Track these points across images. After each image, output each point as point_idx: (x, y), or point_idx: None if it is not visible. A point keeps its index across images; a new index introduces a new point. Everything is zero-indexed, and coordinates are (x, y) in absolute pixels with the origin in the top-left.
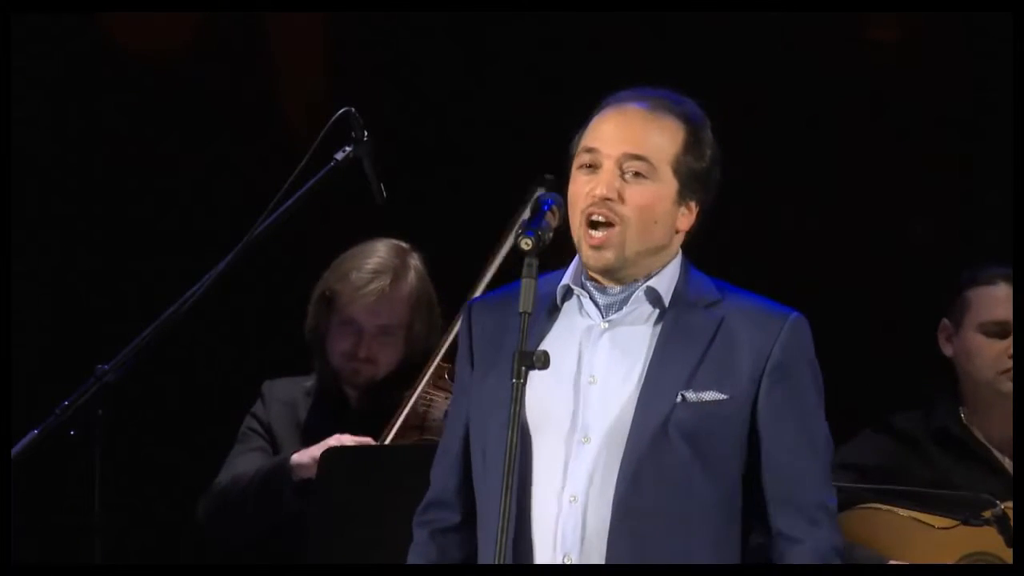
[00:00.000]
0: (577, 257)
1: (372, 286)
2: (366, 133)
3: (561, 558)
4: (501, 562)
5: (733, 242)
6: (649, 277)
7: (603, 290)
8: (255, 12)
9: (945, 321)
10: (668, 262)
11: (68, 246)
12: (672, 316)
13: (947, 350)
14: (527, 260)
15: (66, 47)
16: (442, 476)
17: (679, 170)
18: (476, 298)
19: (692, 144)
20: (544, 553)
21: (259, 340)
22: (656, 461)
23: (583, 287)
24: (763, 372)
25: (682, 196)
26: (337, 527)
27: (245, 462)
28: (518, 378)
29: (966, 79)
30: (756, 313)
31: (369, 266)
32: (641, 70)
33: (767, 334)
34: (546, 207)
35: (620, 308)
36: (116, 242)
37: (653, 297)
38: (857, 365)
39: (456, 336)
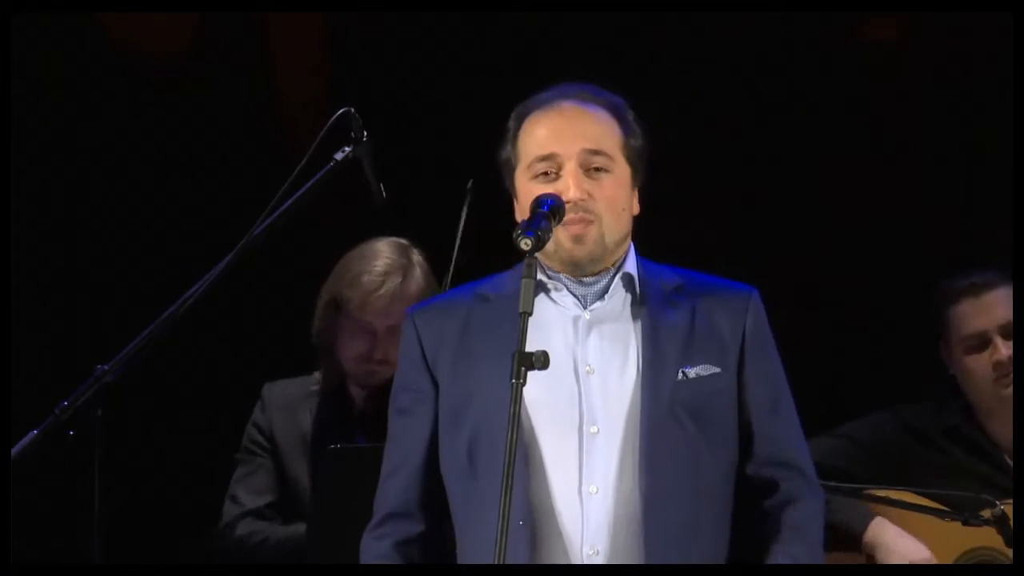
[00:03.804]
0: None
1: (384, 289)
2: (366, 133)
3: (588, 551)
4: (501, 562)
5: (734, 241)
6: (619, 265)
7: (579, 281)
8: (255, 12)
9: (941, 343)
10: (628, 249)
11: (68, 246)
12: (649, 302)
13: (951, 368)
14: (526, 260)
15: (66, 47)
16: (401, 489)
17: (629, 156)
18: (415, 307)
19: (627, 128)
20: (571, 548)
21: (259, 340)
22: (668, 442)
23: (555, 279)
24: (742, 347)
25: (634, 180)
26: (337, 527)
27: (249, 494)
28: (517, 378)
29: (966, 79)
30: (720, 292)
31: (378, 268)
32: (640, 70)
33: (737, 311)
34: (545, 207)
35: (601, 297)
36: (116, 242)
37: (627, 283)
38: (856, 366)
39: None
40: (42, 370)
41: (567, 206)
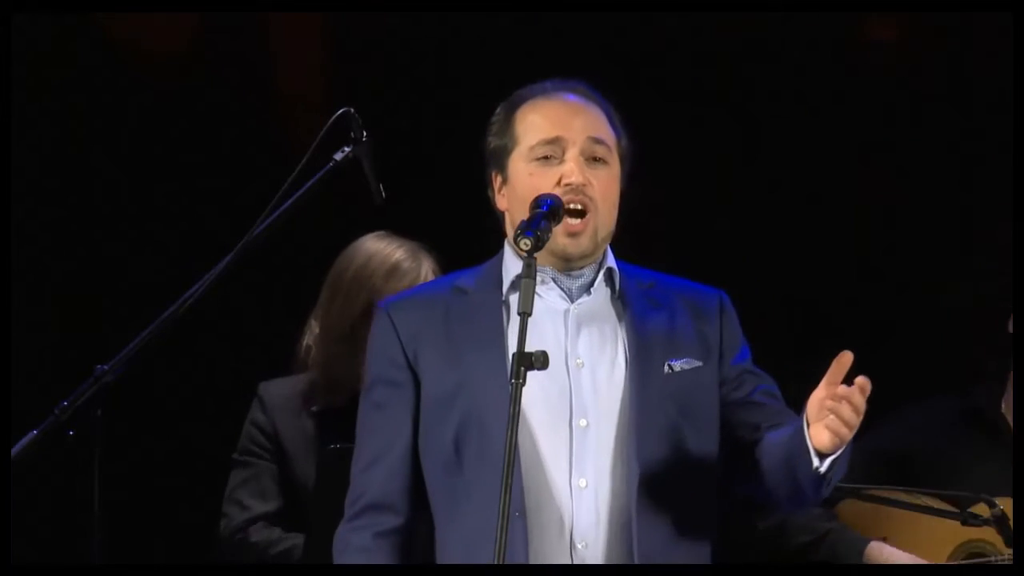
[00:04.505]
0: (508, 249)
1: (424, 270)
2: (365, 133)
3: (579, 544)
4: (501, 561)
5: (734, 243)
6: (602, 261)
7: (566, 274)
8: (255, 12)
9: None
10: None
11: (68, 246)
12: (629, 297)
13: (1011, 327)
14: (525, 260)
15: (66, 47)
16: (381, 481)
17: (622, 154)
18: (387, 300)
19: (617, 128)
20: (562, 541)
21: (258, 340)
22: (657, 434)
23: (542, 272)
24: (720, 343)
25: (622, 179)
26: (337, 527)
27: (255, 499)
28: (517, 378)
29: (965, 79)
30: (692, 294)
31: (405, 254)
32: (639, 70)
33: (710, 312)
34: (545, 207)
35: (586, 291)
36: (116, 242)
37: (608, 279)
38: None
39: None
40: (42, 370)
41: (566, 188)
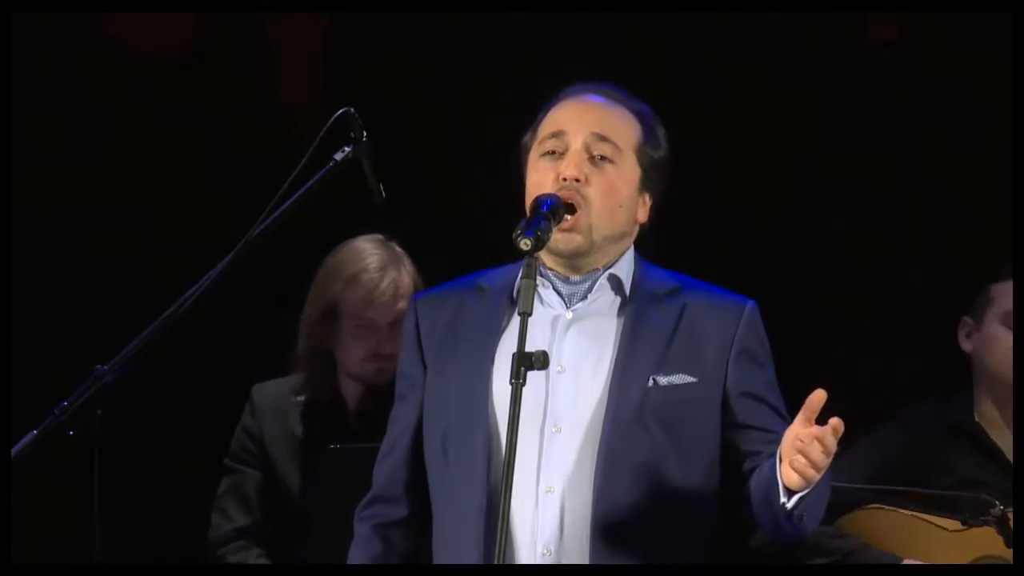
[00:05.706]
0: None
1: (385, 284)
2: (365, 133)
3: (540, 550)
4: (500, 561)
5: (735, 245)
6: (609, 266)
7: (565, 279)
8: (255, 12)
9: (966, 318)
10: (625, 252)
11: (68, 246)
12: (635, 305)
13: (966, 346)
14: (526, 260)
15: (66, 47)
16: (388, 472)
17: (641, 158)
18: (420, 293)
19: (649, 134)
20: (523, 547)
21: (258, 340)
22: (631, 447)
23: (544, 276)
24: (729, 357)
25: (643, 185)
26: (337, 527)
27: (239, 509)
28: (517, 378)
29: (964, 81)
30: (715, 302)
31: (373, 265)
32: (638, 70)
33: (728, 322)
34: (545, 207)
35: (584, 297)
36: (116, 242)
37: (615, 284)
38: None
39: None
40: (42, 370)
41: (561, 183)
